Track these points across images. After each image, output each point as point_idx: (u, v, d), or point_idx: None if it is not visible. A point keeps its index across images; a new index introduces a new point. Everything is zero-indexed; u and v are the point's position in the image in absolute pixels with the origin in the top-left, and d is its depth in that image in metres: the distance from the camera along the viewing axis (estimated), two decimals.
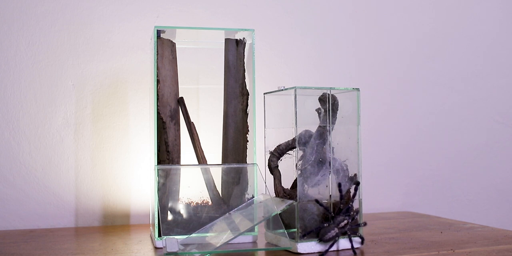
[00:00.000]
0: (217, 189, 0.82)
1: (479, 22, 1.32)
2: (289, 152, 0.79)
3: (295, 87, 0.75)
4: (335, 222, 0.73)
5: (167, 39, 0.83)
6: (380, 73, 1.22)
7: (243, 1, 1.12)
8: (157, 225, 0.76)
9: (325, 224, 0.73)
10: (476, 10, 1.32)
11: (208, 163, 0.83)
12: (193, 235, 0.75)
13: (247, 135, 0.84)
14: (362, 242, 0.76)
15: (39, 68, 1.00)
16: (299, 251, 0.72)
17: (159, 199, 0.77)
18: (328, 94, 0.77)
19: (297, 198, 0.73)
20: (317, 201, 0.73)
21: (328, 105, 0.76)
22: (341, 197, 0.74)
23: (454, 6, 1.30)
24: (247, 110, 0.84)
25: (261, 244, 0.79)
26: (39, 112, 0.99)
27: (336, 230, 0.73)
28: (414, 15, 1.26)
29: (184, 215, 0.79)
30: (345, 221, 0.74)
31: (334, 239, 0.73)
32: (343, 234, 0.74)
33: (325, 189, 0.76)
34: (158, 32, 0.82)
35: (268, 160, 0.80)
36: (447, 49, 1.29)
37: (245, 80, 0.85)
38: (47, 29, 1.00)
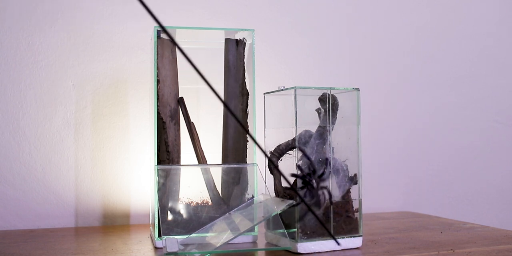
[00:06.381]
0: (217, 189, 0.82)
1: (478, 21, 1.32)
2: (289, 152, 0.79)
3: (295, 87, 0.75)
4: (316, 186, 0.70)
5: (167, 39, 0.83)
6: (380, 73, 1.22)
7: (243, 1, 1.12)
8: (157, 225, 0.76)
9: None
10: (475, 10, 1.32)
11: (208, 163, 0.83)
12: (193, 235, 0.75)
13: (247, 135, 0.84)
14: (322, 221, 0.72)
15: (39, 68, 1.00)
16: (299, 251, 0.72)
17: (159, 199, 0.77)
18: (328, 94, 0.77)
19: (297, 198, 0.73)
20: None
21: (328, 105, 0.76)
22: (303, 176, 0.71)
23: (452, 5, 1.30)
24: (247, 110, 0.84)
25: (261, 244, 0.79)
26: (39, 112, 0.99)
27: (321, 190, 0.69)
28: (413, 15, 1.26)
29: (184, 215, 0.79)
30: (323, 174, 0.69)
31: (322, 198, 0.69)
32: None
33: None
34: (158, 32, 0.82)
35: (268, 160, 0.80)
36: (446, 49, 1.29)
37: (245, 80, 0.85)
38: (47, 29, 1.00)
